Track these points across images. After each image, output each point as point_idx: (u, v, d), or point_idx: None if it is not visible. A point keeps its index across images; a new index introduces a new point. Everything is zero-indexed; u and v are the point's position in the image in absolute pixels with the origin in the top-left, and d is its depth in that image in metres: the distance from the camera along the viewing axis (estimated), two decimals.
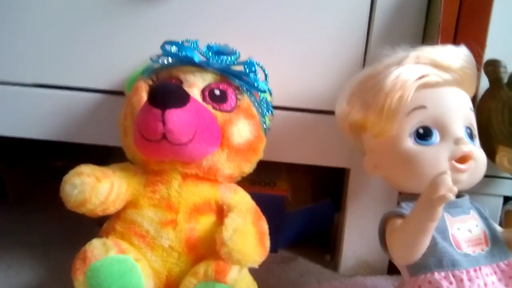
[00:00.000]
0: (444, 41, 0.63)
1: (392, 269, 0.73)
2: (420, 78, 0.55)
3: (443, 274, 0.50)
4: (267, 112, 0.65)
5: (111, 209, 0.59)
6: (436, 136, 0.54)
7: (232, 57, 0.63)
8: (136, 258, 0.56)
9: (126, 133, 0.62)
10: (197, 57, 0.61)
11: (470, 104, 0.57)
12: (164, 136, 0.54)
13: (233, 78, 0.62)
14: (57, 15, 0.71)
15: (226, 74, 0.62)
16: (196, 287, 0.55)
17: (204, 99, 0.60)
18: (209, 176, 0.61)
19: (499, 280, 0.51)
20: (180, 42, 0.62)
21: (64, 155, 0.99)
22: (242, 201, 0.62)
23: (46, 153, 1.03)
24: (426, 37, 0.68)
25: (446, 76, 0.55)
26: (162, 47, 0.62)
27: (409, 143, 0.55)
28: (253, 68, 0.62)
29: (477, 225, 0.54)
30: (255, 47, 0.68)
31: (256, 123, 0.62)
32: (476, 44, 0.61)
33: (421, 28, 0.68)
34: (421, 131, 0.55)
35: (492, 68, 0.64)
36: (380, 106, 0.55)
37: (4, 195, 0.95)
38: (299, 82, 0.71)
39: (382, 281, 0.72)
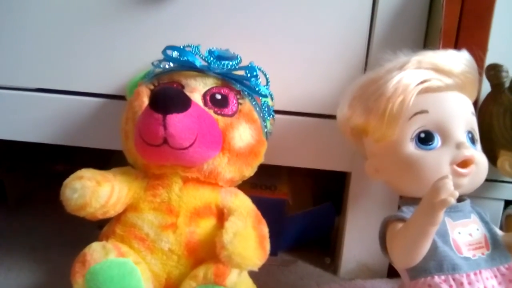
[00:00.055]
0: (446, 46, 0.63)
1: (392, 273, 0.73)
2: (422, 82, 0.55)
3: (443, 277, 0.50)
4: (268, 116, 0.65)
5: (111, 213, 0.59)
6: (437, 141, 0.54)
7: (234, 62, 0.63)
8: (136, 261, 0.56)
9: (127, 137, 0.62)
10: (199, 62, 0.62)
11: (471, 109, 0.57)
12: (165, 141, 0.54)
13: (235, 83, 0.62)
14: (58, 20, 0.71)
15: (227, 79, 0.62)
16: None
17: (205, 103, 0.60)
18: (210, 180, 0.61)
19: (500, 283, 0.51)
20: (181, 47, 0.62)
21: (64, 159, 0.99)
22: (242, 204, 0.62)
23: (47, 157, 1.03)
24: (427, 42, 0.68)
25: (448, 80, 0.56)
26: (164, 52, 0.62)
27: (411, 148, 0.55)
28: (255, 73, 0.63)
29: (477, 229, 0.54)
30: (257, 52, 0.68)
31: (257, 127, 0.62)
32: (478, 49, 0.61)
33: (422, 32, 0.68)
34: (422, 135, 0.55)
35: (494, 72, 0.64)
36: (381, 111, 0.55)
37: (4, 199, 0.94)
38: (300, 87, 0.71)
39: (382, 284, 0.72)
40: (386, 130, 0.55)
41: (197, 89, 0.61)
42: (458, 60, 0.57)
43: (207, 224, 0.60)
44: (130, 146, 0.61)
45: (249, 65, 0.63)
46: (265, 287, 0.63)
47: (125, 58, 0.71)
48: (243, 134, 0.60)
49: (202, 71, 0.62)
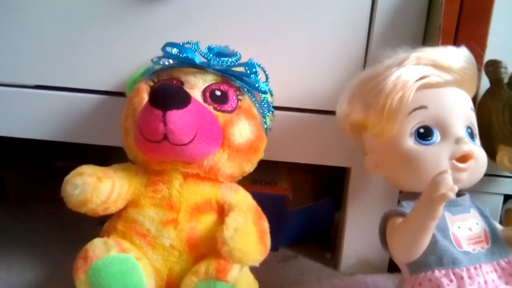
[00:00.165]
0: (445, 42, 0.63)
1: (392, 267, 0.73)
2: (421, 78, 0.55)
3: (443, 272, 0.51)
4: (268, 113, 0.65)
5: (112, 209, 0.59)
6: (436, 136, 0.54)
7: (233, 58, 0.63)
8: (137, 257, 0.57)
9: (127, 134, 0.62)
10: (198, 59, 0.62)
11: (470, 104, 0.58)
12: (165, 137, 0.54)
13: (234, 79, 0.62)
14: (58, 17, 0.71)
15: (227, 75, 0.62)
16: (197, 285, 0.55)
17: (205, 100, 0.60)
18: (210, 176, 0.61)
19: (499, 277, 0.51)
20: (181, 44, 0.62)
21: (65, 155, 0.99)
22: (243, 200, 0.62)
23: (47, 153, 1.03)
24: (426, 38, 0.68)
25: (447, 76, 0.56)
26: (163, 49, 0.62)
27: (410, 143, 0.55)
28: (254, 69, 0.63)
29: (477, 223, 0.55)
30: (256, 48, 0.68)
31: (257, 123, 0.62)
32: (477, 45, 0.61)
33: (421, 29, 0.68)
34: (421, 130, 0.55)
35: (493, 68, 0.64)
36: (381, 107, 0.55)
37: (5, 195, 0.95)
38: (300, 83, 0.71)
39: (382, 279, 0.72)
40: (385, 125, 0.55)
41: (197, 85, 0.61)
42: (457, 56, 0.57)
43: (207, 220, 0.60)
44: (130, 142, 0.61)
45: (249, 62, 0.63)
46: (266, 282, 0.63)
47: (124, 55, 0.71)
48: (242, 130, 0.61)
49: (202, 68, 0.62)
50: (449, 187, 0.46)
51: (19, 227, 0.85)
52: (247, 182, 0.67)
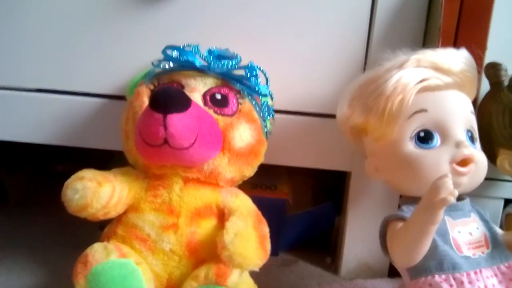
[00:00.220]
0: (445, 44, 0.63)
1: (393, 272, 0.73)
2: (421, 81, 0.55)
3: (443, 276, 0.50)
4: (268, 116, 0.65)
5: (112, 213, 0.59)
6: (437, 140, 0.54)
7: (233, 61, 0.63)
8: (137, 261, 0.57)
9: (128, 138, 0.62)
10: (198, 62, 0.62)
11: (470, 107, 0.57)
12: (165, 141, 0.54)
13: (234, 83, 0.62)
14: (58, 20, 0.71)
15: (227, 79, 0.62)
16: None
17: (205, 103, 0.60)
18: (211, 180, 0.61)
19: (500, 282, 0.51)
20: (181, 47, 0.62)
21: (65, 159, 0.99)
22: (243, 204, 0.62)
23: (47, 157, 1.03)
24: (426, 41, 0.68)
25: (447, 79, 0.56)
26: (164, 52, 0.62)
27: (410, 147, 0.55)
28: (254, 72, 0.63)
29: (477, 228, 0.54)
30: (256, 51, 0.68)
31: (257, 127, 0.62)
32: (477, 47, 0.61)
33: (421, 31, 0.68)
34: (422, 134, 0.55)
35: (493, 71, 0.64)
36: (381, 110, 0.55)
37: (5, 200, 0.95)
38: (300, 86, 0.71)
39: (383, 284, 0.72)
40: (385, 129, 0.55)
41: (197, 89, 0.61)
42: (457, 58, 0.57)
43: (208, 225, 0.60)
44: (131, 146, 0.61)
45: (249, 65, 0.63)
46: (266, 287, 0.63)
47: (125, 58, 0.71)
48: (243, 134, 0.60)
49: (202, 71, 0.62)
50: (450, 191, 0.46)
51: (19, 231, 0.85)
52: (248, 186, 0.67)
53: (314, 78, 0.71)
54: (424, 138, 0.55)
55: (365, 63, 0.70)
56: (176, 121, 0.53)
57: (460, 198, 0.55)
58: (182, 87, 0.61)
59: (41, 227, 0.86)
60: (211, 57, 0.63)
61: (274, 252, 0.61)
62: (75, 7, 0.70)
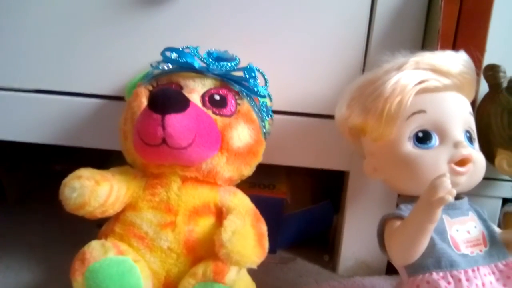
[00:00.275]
0: (444, 47, 0.63)
1: (390, 270, 0.73)
2: (420, 83, 0.55)
3: (441, 274, 0.51)
4: (266, 117, 0.65)
5: (110, 212, 0.59)
6: (435, 140, 0.55)
7: (232, 63, 0.63)
8: (135, 259, 0.57)
9: (126, 138, 0.62)
10: (197, 63, 0.62)
11: (469, 108, 0.58)
12: (163, 141, 0.54)
13: (233, 84, 0.62)
14: (57, 21, 0.71)
15: (226, 80, 0.62)
16: (195, 287, 0.55)
17: (204, 104, 0.60)
18: (209, 179, 0.61)
19: (497, 280, 0.51)
20: (180, 49, 0.63)
21: (63, 158, 0.99)
22: (241, 203, 0.62)
23: (46, 156, 1.03)
24: (425, 43, 0.68)
25: (446, 81, 0.56)
26: (163, 53, 0.63)
27: (409, 147, 0.55)
28: (253, 74, 0.63)
29: (475, 227, 0.55)
30: (256, 52, 0.69)
31: (255, 128, 0.62)
32: (476, 50, 0.61)
33: (420, 33, 0.68)
34: (420, 134, 0.55)
35: (492, 73, 0.64)
36: (379, 111, 0.55)
37: (3, 198, 0.95)
38: (299, 87, 0.71)
39: (380, 281, 0.72)
40: (384, 129, 0.55)
41: (196, 90, 0.61)
42: (456, 60, 0.57)
43: (206, 223, 0.60)
44: (129, 146, 0.61)
45: (248, 66, 0.63)
46: (264, 284, 0.63)
47: (124, 59, 0.71)
48: (241, 134, 0.61)
49: (201, 72, 0.62)
50: (448, 190, 0.47)
51: (17, 229, 0.85)
52: (246, 185, 0.68)
53: (313, 79, 0.71)
54: (423, 138, 0.55)
55: (364, 64, 0.70)
56: (174, 121, 0.54)
57: (458, 197, 0.55)
58: (181, 88, 0.61)
59: (39, 225, 0.86)
60: (210, 58, 0.63)
61: (272, 250, 0.62)
62: (75, 8, 0.70)
